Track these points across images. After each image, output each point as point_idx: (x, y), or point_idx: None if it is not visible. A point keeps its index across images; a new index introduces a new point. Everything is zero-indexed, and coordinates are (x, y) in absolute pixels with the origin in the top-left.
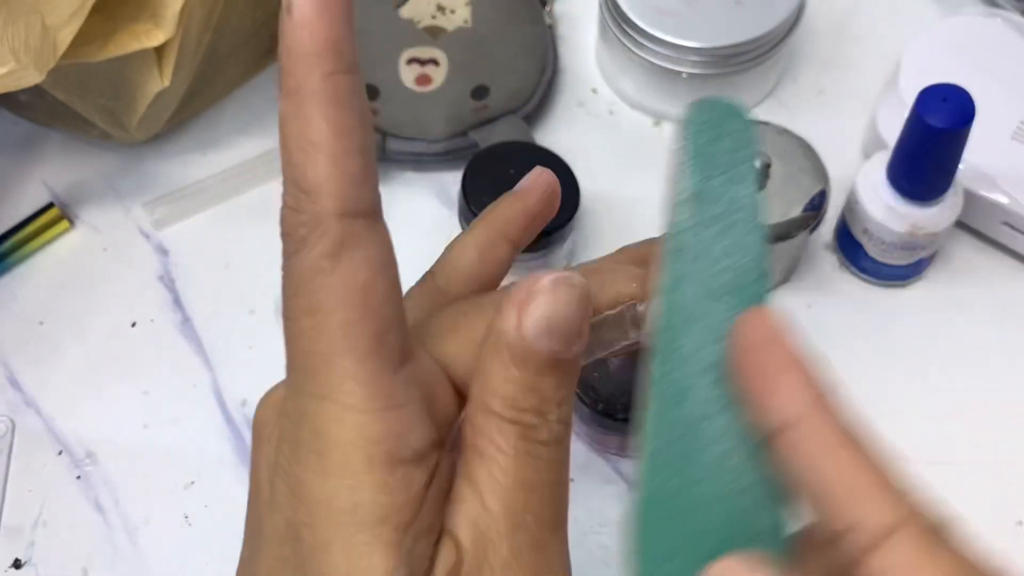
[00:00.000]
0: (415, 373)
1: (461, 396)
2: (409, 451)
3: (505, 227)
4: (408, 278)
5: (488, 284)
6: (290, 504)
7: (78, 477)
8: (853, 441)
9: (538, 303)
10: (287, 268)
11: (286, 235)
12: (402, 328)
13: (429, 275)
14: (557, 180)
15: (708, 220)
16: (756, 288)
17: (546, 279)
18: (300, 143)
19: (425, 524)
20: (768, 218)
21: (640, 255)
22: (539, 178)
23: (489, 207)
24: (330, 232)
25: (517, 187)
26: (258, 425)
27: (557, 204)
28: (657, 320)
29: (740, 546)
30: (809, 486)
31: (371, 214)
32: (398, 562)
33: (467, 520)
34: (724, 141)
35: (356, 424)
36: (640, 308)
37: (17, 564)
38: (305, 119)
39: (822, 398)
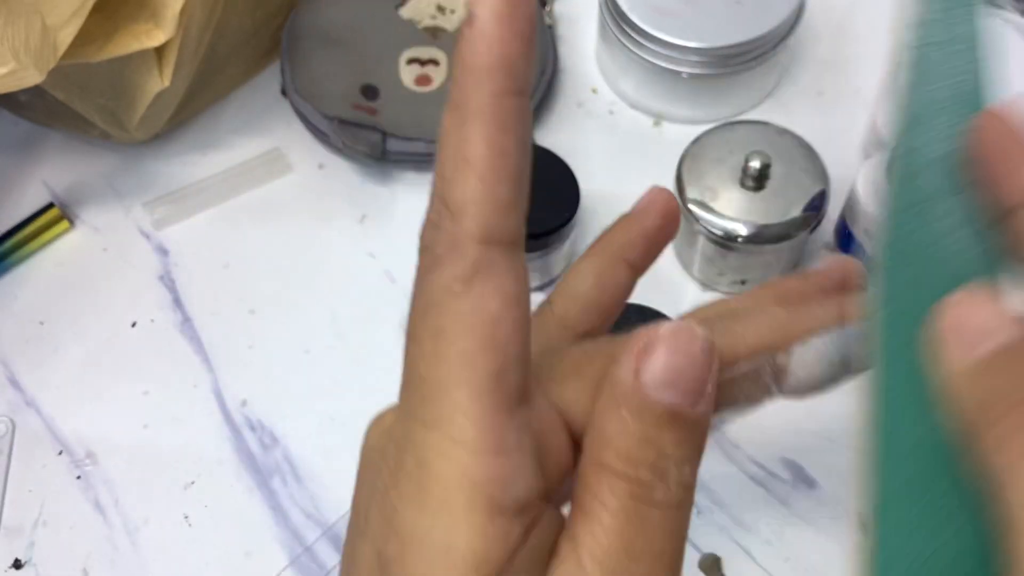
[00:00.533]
0: (530, 417)
1: (577, 446)
2: (512, 500)
3: (622, 250)
4: (408, 277)
5: (608, 311)
6: (382, 534)
7: (78, 477)
8: None
9: (658, 353)
10: (419, 285)
11: (424, 250)
12: (525, 368)
13: (546, 304)
14: (674, 199)
15: (945, 43)
16: (985, 103)
17: (666, 327)
18: (455, 159)
19: None
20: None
21: (785, 292)
22: (656, 197)
23: (605, 229)
24: (468, 256)
25: (633, 207)
26: (367, 450)
27: (677, 225)
28: (898, 116)
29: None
30: None
31: (512, 245)
32: None
33: None
34: (960, 9)
35: (462, 462)
36: (780, 360)
37: (17, 564)
38: (464, 136)
39: None
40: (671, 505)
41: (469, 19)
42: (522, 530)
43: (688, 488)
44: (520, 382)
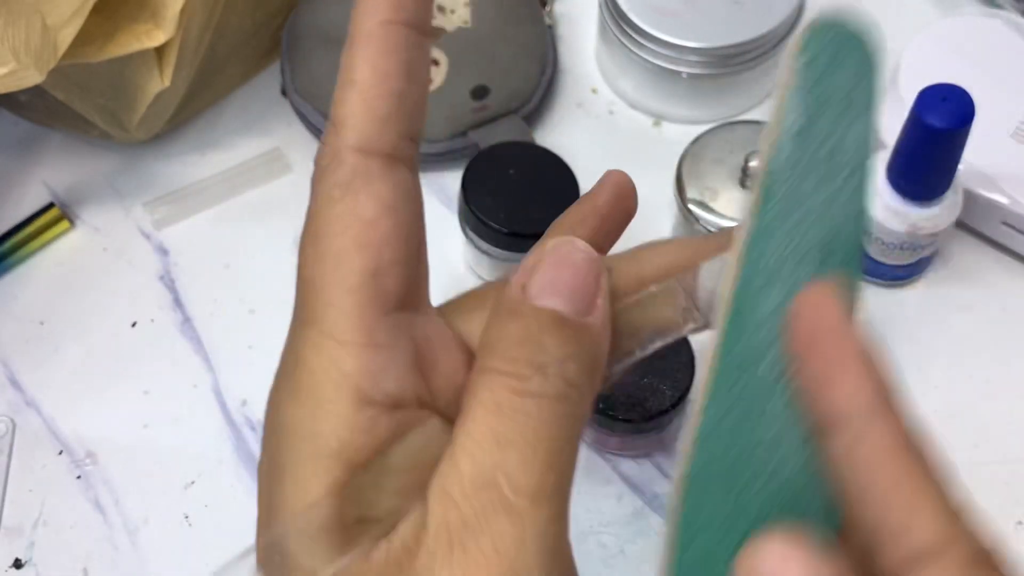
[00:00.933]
0: (412, 324)
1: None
2: (381, 394)
3: (572, 228)
4: None
5: None
6: (266, 434)
7: (78, 477)
8: (912, 448)
9: (542, 265)
10: (310, 199)
11: (315, 165)
12: (404, 274)
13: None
14: (627, 178)
15: (807, 166)
16: (847, 250)
17: (550, 242)
18: (342, 82)
19: (387, 473)
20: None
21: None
22: (608, 176)
23: (563, 212)
24: (345, 164)
25: (590, 190)
26: None
27: (632, 204)
28: (734, 275)
29: (784, 525)
30: (859, 487)
31: (391, 158)
32: (334, 498)
33: (437, 481)
34: (840, 73)
35: (331, 353)
36: (687, 277)
37: (17, 564)
38: (351, 59)
39: (884, 397)
40: (549, 396)
41: None
42: (393, 425)
43: (572, 385)
44: (398, 287)
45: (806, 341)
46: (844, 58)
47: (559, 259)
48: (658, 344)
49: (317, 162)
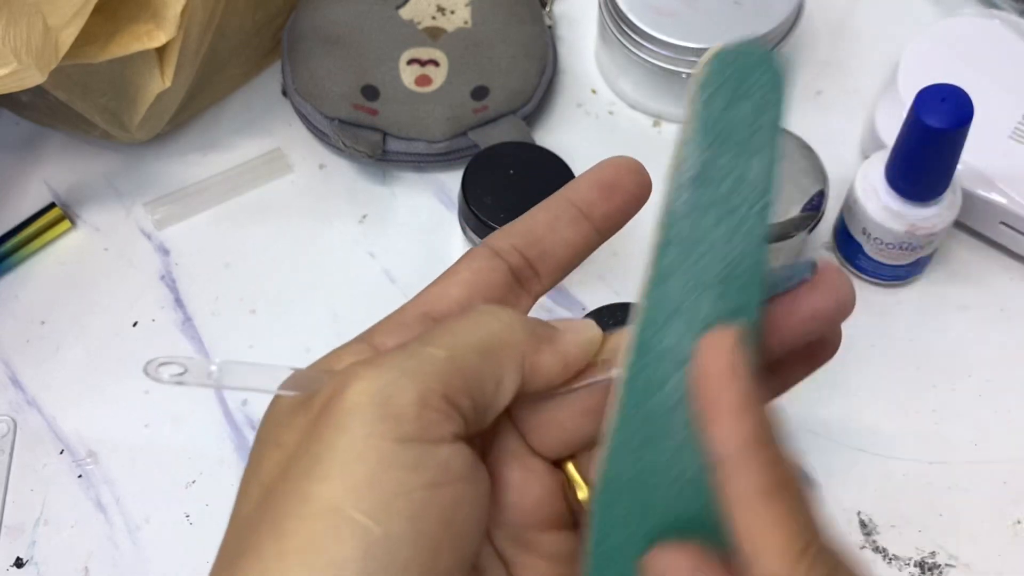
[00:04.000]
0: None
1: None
2: None
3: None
4: (408, 277)
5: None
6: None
7: (79, 476)
8: (772, 492)
9: None
10: None
11: None
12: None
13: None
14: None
15: (708, 204)
16: (748, 278)
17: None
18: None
19: None
20: (778, 196)
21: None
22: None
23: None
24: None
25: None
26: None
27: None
28: (640, 310)
29: (686, 534)
30: (728, 515)
31: None
32: None
33: None
34: (744, 104)
35: None
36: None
37: (19, 563)
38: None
39: (757, 443)
40: None
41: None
42: None
43: None
44: None
45: (696, 383)
46: (748, 87)
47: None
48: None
49: None
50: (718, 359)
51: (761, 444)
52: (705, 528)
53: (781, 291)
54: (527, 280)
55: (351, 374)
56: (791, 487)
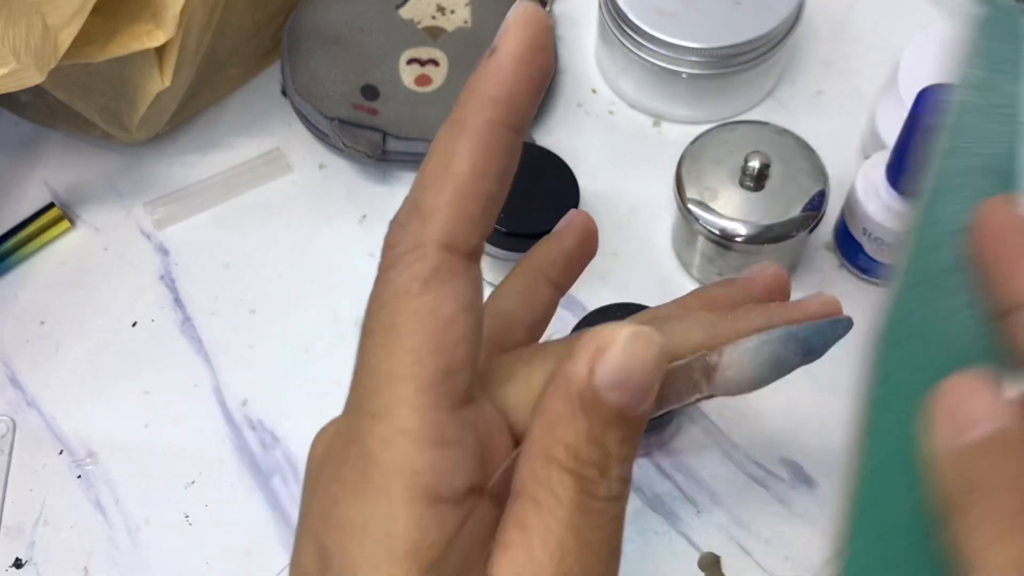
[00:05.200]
0: (474, 418)
1: (518, 443)
2: (450, 491)
3: (543, 269)
4: None
5: (533, 329)
6: (323, 527)
7: (79, 476)
8: None
9: (614, 354)
10: (378, 282)
11: (387, 247)
12: (472, 371)
13: None
14: (592, 221)
15: (985, 107)
16: (1014, 174)
17: (625, 331)
18: (437, 167)
19: (454, 567)
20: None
21: (712, 299)
22: (573, 220)
23: (528, 251)
24: (428, 258)
25: (554, 229)
26: (311, 461)
27: (595, 245)
28: (925, 183)
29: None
30: None
31: (471, 258)
32: None
33: (512, 566)
34: (1009, 42)
35: (404, 451)
36: (711, 359)
37: (18, 563)
38: (453, 149)
39: None
40: (612, 498)
41: (491, 50)
42: (459, 520)
43: (626, 482)
44: (466, 384)
45: (988, 240)
46: (1011, 31)
47: (634, 352)
48: (658, 412)
49: (392, 245)
50: (1006, 215)
51: None
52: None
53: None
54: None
55: None
56: None
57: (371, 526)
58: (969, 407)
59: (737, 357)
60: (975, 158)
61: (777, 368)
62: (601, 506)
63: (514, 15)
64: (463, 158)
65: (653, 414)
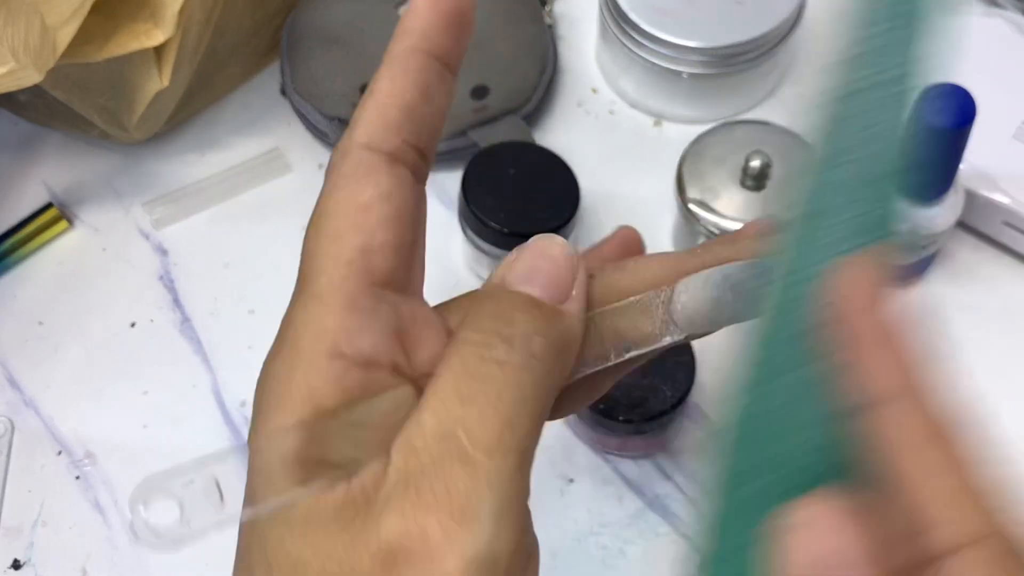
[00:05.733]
0: (398, 302)
1: None
2: (355, 351)
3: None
4: None
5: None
6: (254, 392)
7: (77, 477)
8: (944, 437)
9: (522, 256)
10: (322, 188)
11: (329, 161)
12: (395, 259)
13: None
14: (640, 237)
15: (869, 90)
16: (897, 178)
17: (531, 240)
18: (366, 95)
19: (352, 426)
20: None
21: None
22: (619, 232)
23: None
24: (350, 156)
25: (601, 241)
26: None
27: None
28: (794, 209)
29: (823, 480)
30: (890, 472)
31: (394, 157)
32: (298, 433)
33: (401, 436)
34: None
35: (315, 311)
36: (666, 292)
37: (16, 564)
38: (376, 76)
39: (918, 382)
40: (512, 364)
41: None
42: (363, 382)
43: (536, 357)
44: (386, 267)
45: (841, 317)
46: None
47: (538, 252)
48: (633, 353)
49: (331, 158)
50: (861, 287)
51: (926, 380)
52: (838, 477)
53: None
54: (422, 174)
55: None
56: (960, 429)
57: (278, 373)
58: (814, 554)
59: (691, 285)
60: (854, 165)
61: (735, 292)
62: (496, 370)
63: None
64: (382, 78)
65: (630, 356)
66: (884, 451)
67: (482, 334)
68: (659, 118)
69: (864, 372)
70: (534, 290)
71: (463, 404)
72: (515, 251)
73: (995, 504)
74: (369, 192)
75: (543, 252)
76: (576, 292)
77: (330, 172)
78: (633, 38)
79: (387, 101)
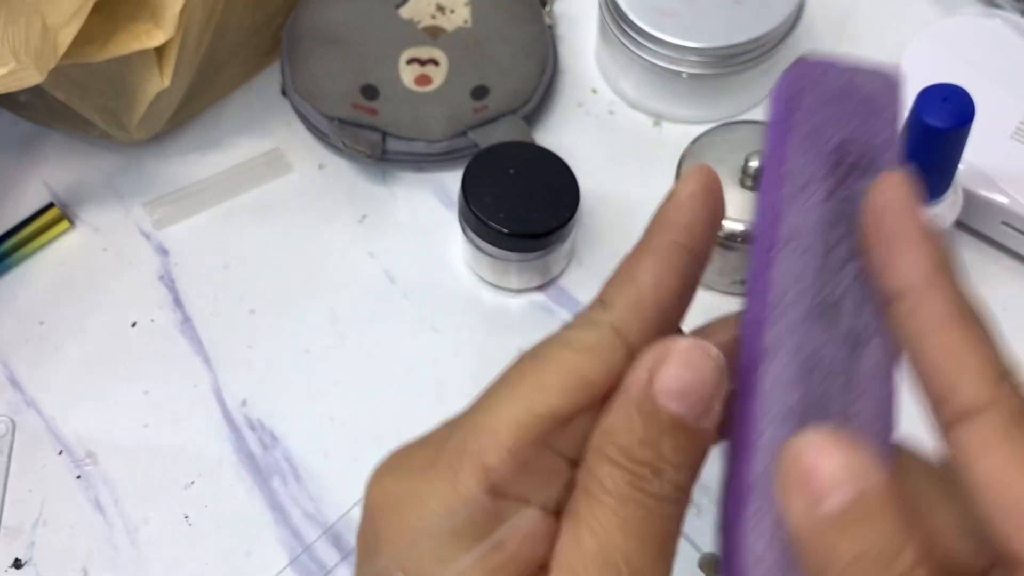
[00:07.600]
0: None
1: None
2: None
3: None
4: (408, 277)
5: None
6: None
7: (78, 477)
8: (965, 317)
9: (671, 364)
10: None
11: (566, 325)
12: (565, 440)
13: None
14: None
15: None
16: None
17: (683, 342)
18: (621, 274)
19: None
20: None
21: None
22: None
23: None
24: (599, 328)
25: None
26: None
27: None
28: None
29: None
30: (915, 352)
31: (632, 356)
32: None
33: (560, 554)
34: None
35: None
36: None
37: (17, 564)
38: (636, 261)
39: (943, 271)
40: (664, 498)
41: (671, 194)
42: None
43: (681, 489)
44: (554, 442)
45: (874, 217)
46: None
47: (691, 363)
48: None
49: (569, 325)
50: (898, 193)
51: (949, 270)
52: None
53: None
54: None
55: None
56: (980, 315)
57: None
58: (821, 474)
59: None
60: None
61: None
62: (650, 503)
63: (690, 168)
64: (645, 268)
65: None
66: (909, 330)
67: (634, 463)
68: (659, 118)
69: (898, 265)
70: (682, 409)
71: (624, 534)
72: (662, 347)
73: (1009, 372)
74: (595, 375)
75: (693, 364)
76: (717, 407)
77: (566, 328)
78: (633, 38)
79: (648, 295)
